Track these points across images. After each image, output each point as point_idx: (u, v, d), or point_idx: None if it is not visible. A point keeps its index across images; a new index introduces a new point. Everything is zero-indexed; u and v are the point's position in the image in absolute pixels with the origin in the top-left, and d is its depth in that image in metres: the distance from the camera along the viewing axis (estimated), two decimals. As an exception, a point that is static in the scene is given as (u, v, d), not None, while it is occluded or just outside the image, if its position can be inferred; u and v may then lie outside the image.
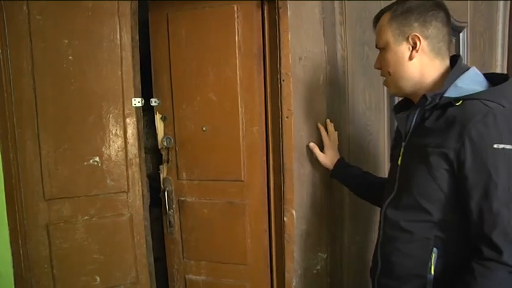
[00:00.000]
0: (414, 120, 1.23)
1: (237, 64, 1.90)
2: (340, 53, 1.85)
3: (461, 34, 2.06)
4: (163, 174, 2.11)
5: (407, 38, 1.21)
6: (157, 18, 2.00)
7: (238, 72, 1.90)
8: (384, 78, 1.34)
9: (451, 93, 1.14)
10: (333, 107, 1.85)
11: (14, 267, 1.78)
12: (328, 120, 1.80)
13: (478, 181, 1.05)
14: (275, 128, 1.84)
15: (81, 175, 1.86)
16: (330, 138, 1.78)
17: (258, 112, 1.90)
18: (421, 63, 1.22)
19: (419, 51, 1.20)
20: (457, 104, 1.11)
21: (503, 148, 1.02)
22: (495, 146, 1.02)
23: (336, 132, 1.80)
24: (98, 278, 1.92)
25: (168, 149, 2.07)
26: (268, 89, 1.86)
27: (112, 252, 1.93)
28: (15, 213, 1.78)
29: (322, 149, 1.78)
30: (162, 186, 2.12)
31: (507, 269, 1.02)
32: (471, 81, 1.16)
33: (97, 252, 1.91)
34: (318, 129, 1.80)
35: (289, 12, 1.73)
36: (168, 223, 2.13)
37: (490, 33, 2.18)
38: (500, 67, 2.24)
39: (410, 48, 1.21)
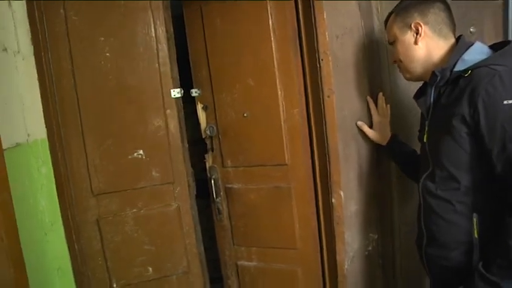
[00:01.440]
0: (432, 97, 1.35)
1: (273, 48, 1.88)
2: (377, 27, 1.79)
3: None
4: (208, 163, 2.14)
5: (410, 27, 1.36)
6: (192, 12, 2.03)
7: (274, 56, 1.88)
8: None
9: (459, 66, 1.25)
10: (375, 82, 1.79)
11: (71, 261, 1.83)
12: (380, 94, 1.77)
13: (495, 136, 1.13)
14: (317, 109, 1.81)
15: (126, 169, 1.89)
16: (380, 112, 1.75)
17: (297, 94, 1.87)
18: (426, 46, 1.35)
19: (423, 35, 1.34)
20: (466, 75, 1.21)
21: None
22: (505, 102, 1.10)
23: (389, 106, 1.76)
24: (150, 269, 1.95)
25: (211, 137, 2.10)
26: (307, 70, 1.82)
27: (162, 243, 1.96)
28: (67, 211, 1.84)
29: (371, 125, 1.76)
30: (208, 174, 2.14)
31: None
32: (476, 53, 1.25)
33: (147, 244, 1.94)
34: (364, 106, 1.76)
35: (322, -11, 1.68)
36: (217, 210, 2.16)
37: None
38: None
39: (414, 35, 1.36)
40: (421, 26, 1.34)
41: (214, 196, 2.12)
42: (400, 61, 1.44)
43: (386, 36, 1.52)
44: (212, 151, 2.12)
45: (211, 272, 2.32)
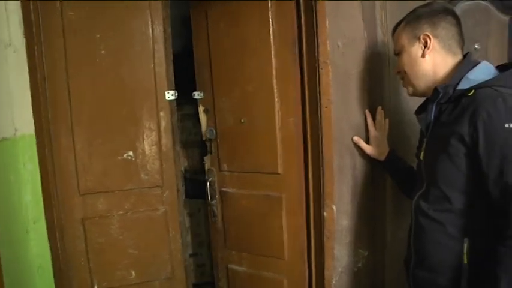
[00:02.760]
0: (432, 114, 1.30)
1: (272, 54, 1.84)
2: (380, 38, 1.74)
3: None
4: (207, 165, 2.13)
5: (419, 38, 1.31)
6: (198, 14, 2.02)
7: (273, 63, 1.85)
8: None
9: (463, 85, 1.21)
10: (375, 95, 1.75)
11: (52, 260, 1.79)
12: (379, 108, 1.72)
13: (493, 160, 1.10)
14: (313, 119, 1.76)
15: (115, 170, 1.86)
16: (377, 127, 1.71)
17: (293, 102, 1.83)
18: (433, 60, 1.30)
19: (431, 48, 1.29)
20: (469, 94, 1.18)
21: None
22: (506, 125, 1.07)
23: (387, 120, 1.72)
24: (133, 273, 1.92)
25: (211, 140, 2.09)
26: (306, 78, 1.78)
27: (147, 247, 1.92)
28: (52, 208, 1.80)
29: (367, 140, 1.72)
30: (206, 176, 2.13)
31: None
32: (481, 73, 1.21)
33: (132, 247, 1.91)
34: (362, 118, 1.72)
35: (326, -3, 1.64)
36: (212, 213, 2.15)
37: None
38: None
39: (422, 47, 1.31)
40: (430, 39, 1.29)
41: (210, 198, 2.11)
42: (405, 73, 1.38)
43: (393, 46, 1.46)
44: (211, 153, 2.12)
45: (199, 277, 2.29)
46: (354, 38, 1.70)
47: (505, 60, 1.92)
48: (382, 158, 1.69)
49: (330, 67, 1.67)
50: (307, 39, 1.75)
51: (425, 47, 1.30)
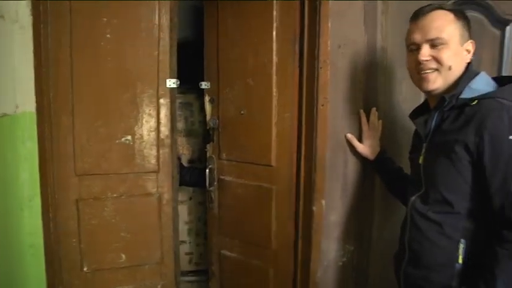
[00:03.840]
0: (434, 121, 1.33)
1: (274, 50, 1.89)
2: (380, 43, 1.80)
3: (508, 27, 1.99)
4: (209, 153, 2.19)
5: (467, 41, 1.31)
6: (210, 6, 2.07)
7: (274, 58, 1.89)
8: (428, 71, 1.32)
9: (466, 94, 1.25)
10: (369, 97, 1.81)
11: (44, 239, 1.80)
12: (373, 109, 1.77)
13: (497, 170, 1.14)
14: (309, 116, 1.81)
15: (112, 153, 1.88)
16: (371, 127, 1.75)
17: (291, 98, 1.88)
18: (460, 67, 1.31)
19: (469, 56, 1.31)
20: (473, 103, 1.22)
21: None
22: (510, 137, 1.12)
23: (380, 121, 1.77)
24: (123, 256, 1.94)
25: (213, 129, 2.14)
26: (305, 76, 1.82)
27: (139, 232, 1.95)
28: (47, 187, 1.81)
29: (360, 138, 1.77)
30: (207, 163, 2.19)
31: None
32: (483, 83, 1.26)
33: (124, 231, 1.93)
34: (356, 118, 1.77)
35: (331, -2, 1.69)
36: (209, 199, 2.20)
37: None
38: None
39: (465, 53, 1.30)
40: (473, 47, 1.31)
41: (208, 185, 2.17)
42: (449, 68, 1.28)
43: (426, 29, 1.30)
44: (213, 141, 2.18)
45: (185, 265, 2.32)
46: (354, 41, 1.75)
47: (495, 72, 2.01)
48: (373, 157, 1.75)
49: (329, 67, 1.71)
50: (308, 38, 1.80)
51: (468, 52, 1.30)
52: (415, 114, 1.47)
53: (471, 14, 1.91)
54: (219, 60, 2.04)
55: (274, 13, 1.86)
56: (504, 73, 2.00)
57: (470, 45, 1.31)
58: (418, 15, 1.34)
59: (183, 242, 2.47)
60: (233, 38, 1.98)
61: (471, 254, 1.23)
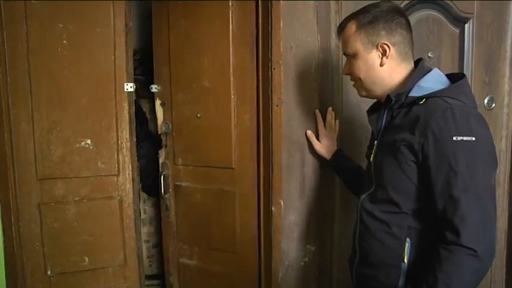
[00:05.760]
0: (384, 119, 1.33)
1: (231, 52, 1.88)
2: (334, 42, 1.80)
3: (466, 25, 1.98)
4: (161, 159, 2.16)
5: (377, 46, 1.27)
6: (159, 8, 2.05)
7: (231, 60, 1.89)
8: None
9: (415, 92, 1.23)
10: (326, 97, 1.81)
11: (4, 242, 1.82)
12: (330, 109, 1.76)
13: (440, 171, 1.13)
14: (266, 117, 1.82)
15: (73, 157, 1.90)
16: (327, 127, 1.75)
17: (249, 100, 1.88)
18: (390, 68, 1.29)
19: (389, 57, 1.27)
20: (421, 102, 1.21)
21: (462, 140, 1.10)
22: (454, 138, 1.10)
23: (337, 121, 1.77)
24: (86, 259, 1.95)
25: (166, 134, 2.13)
26: (260, 78, 1.84)
27: (101, 234, 1.96)
28: (9, 191, 1.83)
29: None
30: (160, 170, 2.17)
31: (467, 251, 1.08)
32: (433, 81, 1.24)
33: (86, 234, 1.95)
34: (313, 118, 1.77)
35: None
36: (165, 207, 2.18)
37: (498, 24, 2.07)
38: (509, 59, 2.11)
39: (380, 56, 1.28)
40: (389, 48, 1.25)
41: (163, 192, 2.14)
42: (360, 79, 1.34)
43: (341, 45, 1.39)
44: (166, 147, 2.15)
45: (160, 269, 2.32)
46: (307, 41, 1.76)
47: (456, 70, 2.00)
48: (329, 156, 1.74)
49: (282, 67, 1.72)
50: (263, 39, 1.81)
51: (383, 55, 1.26)
52: (372, 110, 1.45)
53: (428, 12, 1.91)
54: (171, 62, 2.03)
55: (231, 14, 1.86)
56: (466, 71, 1.98)
57: (381, 47, 1.26)
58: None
59: (159, 245, 2.47)
60: (186, 39, 1.97)
61: (418, 253, 1.23)
